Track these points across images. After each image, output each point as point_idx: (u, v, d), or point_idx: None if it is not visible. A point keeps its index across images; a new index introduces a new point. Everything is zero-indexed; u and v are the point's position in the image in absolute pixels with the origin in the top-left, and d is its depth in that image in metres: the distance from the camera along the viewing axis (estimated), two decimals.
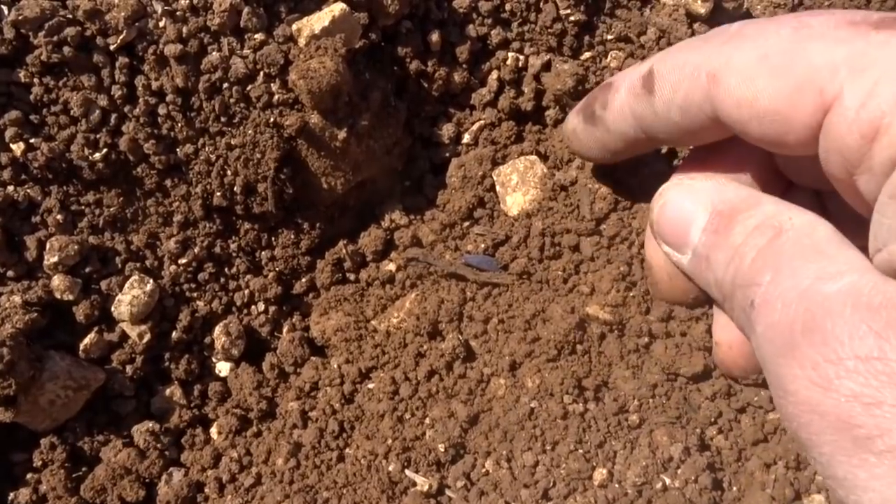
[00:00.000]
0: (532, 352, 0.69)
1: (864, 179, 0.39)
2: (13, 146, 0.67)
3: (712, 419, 0.66)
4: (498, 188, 0.80)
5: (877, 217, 0.39)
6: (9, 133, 0.66)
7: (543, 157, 0.82)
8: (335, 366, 0.75)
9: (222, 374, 0.77)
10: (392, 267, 0.79)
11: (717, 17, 0.83)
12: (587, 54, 0.84)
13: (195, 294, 0.76)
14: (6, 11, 0.64)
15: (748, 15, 0.84)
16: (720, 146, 0.52)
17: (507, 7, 0.82)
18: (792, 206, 0.45)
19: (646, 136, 0.55)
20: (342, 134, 0.73)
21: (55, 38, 0.65)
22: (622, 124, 0.56)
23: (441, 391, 0.70)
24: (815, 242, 0.42)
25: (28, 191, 0.68)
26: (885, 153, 0.37)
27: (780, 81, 0.42)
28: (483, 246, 0.77)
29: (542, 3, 0.82)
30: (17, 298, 0.66)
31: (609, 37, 0.84)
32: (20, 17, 0.63)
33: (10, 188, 0.68)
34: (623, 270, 0.71)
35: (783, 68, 0.42)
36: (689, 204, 0.49)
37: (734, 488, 0.63)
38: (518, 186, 0.80)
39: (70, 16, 0.66)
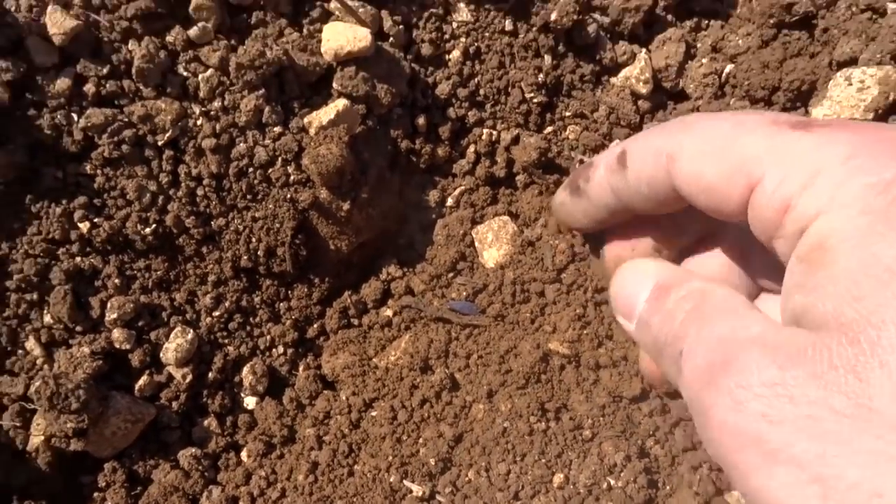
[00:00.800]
0: (505, 381, 0.85)
1: (779, 244, 0.48)
2: (80, 225, 0.82)
3: (650, 432, 0.81)
4: (476, 244, 0.96)
5: (787, 275, 0.47)
6: (77, 215, 0.82)
7: (514, 216, 0.97)
8: (344, 398, 0.90)
9: (250, 407, 0.92)
10: (389, 313, 0.94)
11: (656, 95, 1.00)
12: (549, 129, 1.00)
13: (226, 340, 0.91)
14: (76, 118, 0.80)
15: (683, 94, 1.00)
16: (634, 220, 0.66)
17: (482, 92, 0.98)
18: (714, 283, 0.55)
19: (622, 206, 0.66)
20: (346, 205, 0.89)
21: (115, 139, 0.81)
22: (603, 196, 0.67)
23: (431, 416, 0.85)
24: (732, 306, 0.50)
25: (91, 260, 0.84)
26: (793, 225, 0.46)
27: (720, 165, 0.51)
28: (465, 293, 0.92)
29: (510, 88, 0.98)
30: (85, 349, 0.81)
31: (567, 114, 1.00)
32: (89, 124, 0.80)
33: (78, 259, 0.83)
34: (579, 312, 0.87)
35: (722, 155, 0.51)
36: (636, 282, 0.59)
37: (667, 487, 0.78)
38: (493, 243, 0.95)
39: (126, 119, 0.82)
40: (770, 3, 0.96)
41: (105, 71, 0.80)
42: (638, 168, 0.60)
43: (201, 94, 0.84)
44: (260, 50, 0.82)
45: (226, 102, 0.85)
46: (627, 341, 0.83)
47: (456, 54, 0.96)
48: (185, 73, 0.83)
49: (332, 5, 0.89)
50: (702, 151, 0.53)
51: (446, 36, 0.96)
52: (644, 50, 1.00)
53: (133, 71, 0.81)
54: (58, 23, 0.77)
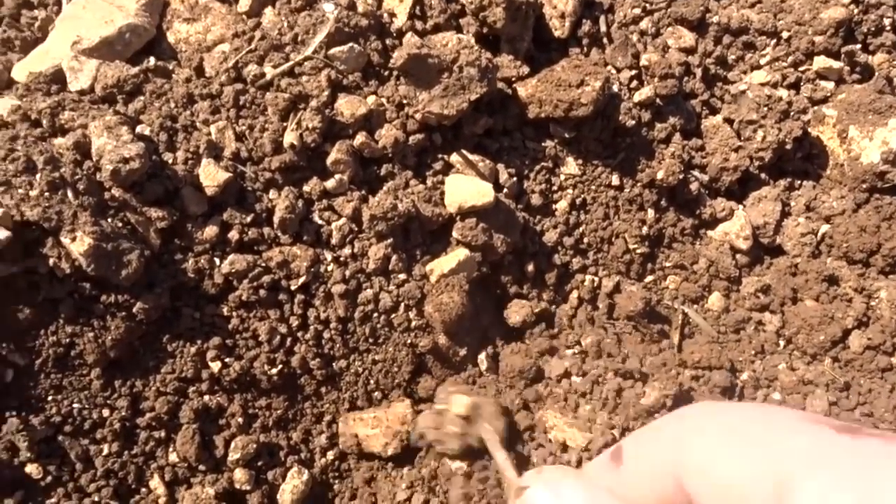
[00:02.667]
0: None
1: None
2: (212, 364, 0.85)
3: None
4: None
5: None
6: (210, 354, 0.85)
7: None
8: None
9: None
10: None
11: (754, 250, 1.03)
12: (650, 278, 1.04)
13: (337, 482, 0.92)
14: (218, 262, 0.84)
15: (780, 249, 1.03)
16: None
17: (585, 240, 1.02)
18: None
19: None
20: (462, 351, 0.91)
21: (254, 284, 0.84)
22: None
23: None
24: None
25: (218, 398, 0.86)
26: None
27: (744, 467, 0.43)
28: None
29: (613, 238, 1.02)
30: (209, 490, 0.82)
31: (668, 264, 1.04)
32: (232, 270, 0.83)
33: (207, 397, 0.85)
34: None
35: (748, 455, 0.44)
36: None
37: None
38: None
39: (264, 265, 0.85)
40: (863, 169, 1.01)
41: (248, 219, 0.84)
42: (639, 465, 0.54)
43: (333, 241, 0.88)
44: (392, 203, 0.86)
45: (355, 250, 0.89)
46: None
47: (563, 205, 1.00)
48: (319, 222, 0.87)
49: (453, 158, 0.95)
50: (723, 448, 0.46)
51: (554, 187, 1.00)
52: (741, 206, 1.04)
53: (274, 219, 0.85)
54: (211, 175, 0.82)
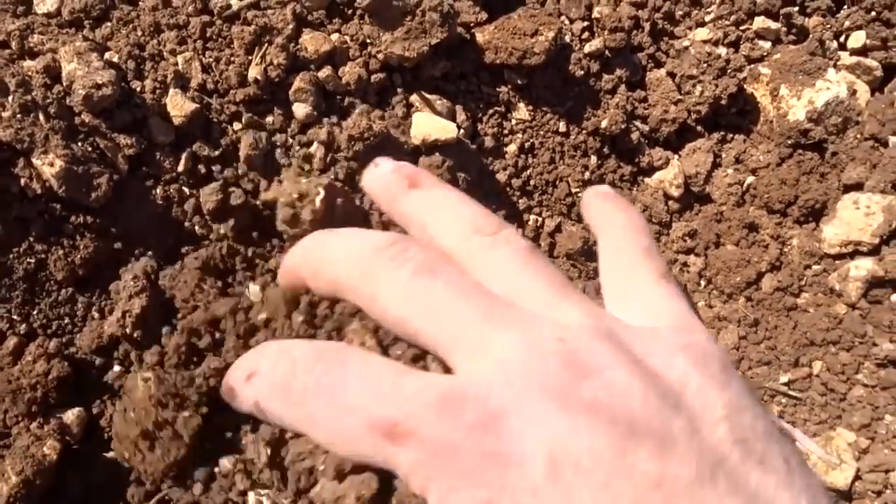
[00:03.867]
0: None
1: None
2: None
3: None
4: None
5: None
6: None
7: None
8: None
9: None
10: None
11: (686, 198, 1.12)
12: None
13: None
14: (186, 191, 0.88)
15: (709, 198, 1.13)
16: None
17: (532, 183, 1.09)
18: None
19: None
20: None
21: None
22: None
23: None
24: None
25: None
26: None
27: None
28: None
29: (557, 182, 1.09)
30: None
31: None
32: (206, 204, 0.87)
33: None
34: None
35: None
36: None
37: None
38: None
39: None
40: (790, 126, 1.10)
41: (216, 153, 0.88)
42: None
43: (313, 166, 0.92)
44: (368, 124, 0.91)
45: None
46: None
47: (513, 148, 1.06)
48: (295, 149, 0.92)
49: (413, 98, 0.99)
50: None
51: (506, 131, 1.06)
52: (676, 156, 1.12)
53: (240, 155, 0.89)
54: (178, 105, 0.85)
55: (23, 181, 0.77)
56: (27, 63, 0.80)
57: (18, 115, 0.75)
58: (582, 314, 0.37)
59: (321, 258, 0.43)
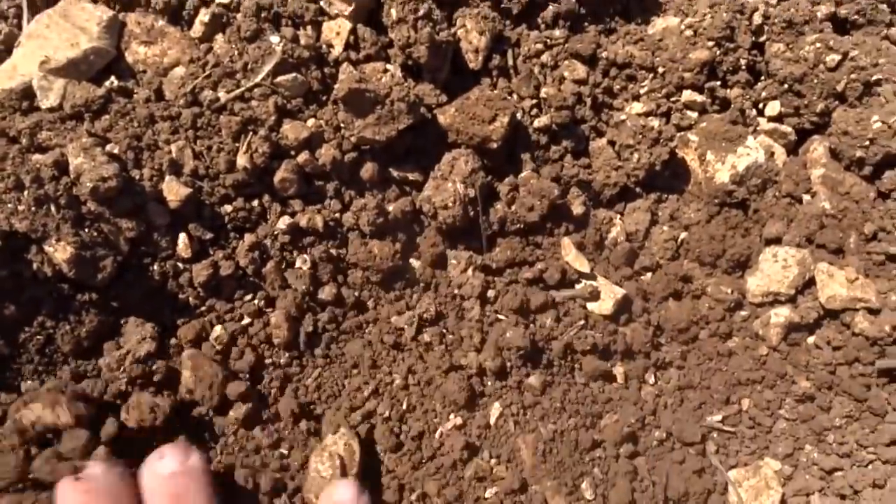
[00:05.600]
0: None
1: None
2: None
3: None
4: None
5: None
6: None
7: None
8: None
9: None
10: None
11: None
12: None
13: None
14: (181, 266, 0.97)
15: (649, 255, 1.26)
16: None
17: None
18: None
19: None
20: None
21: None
22: None
23: None
24: None
25: None
26: None
27: None
28: None
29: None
30: None
31: None
32: (198, 279, 0.97)
33: None
34: None
35: None
36: None
37: None
38: None
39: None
40: (716, 187, 1.24)
41: (209, 236, 0.98)
42: None
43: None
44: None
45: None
46: None
47: None
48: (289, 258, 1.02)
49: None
50: None
51: None
52: (618, 216, 1.26)
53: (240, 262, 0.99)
54: (173, 190, 0.95)
55: (35, 265, 0.86)
56: (37, 157, 0.89)
57: (33, 208, 0.84)
58: None
59: None
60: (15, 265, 0.85)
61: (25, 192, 0.84)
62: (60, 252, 0.85)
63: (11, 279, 0.85)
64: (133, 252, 0.93)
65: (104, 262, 0.88)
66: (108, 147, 0.94)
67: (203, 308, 0.98)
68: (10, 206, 0.83)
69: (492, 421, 1.00)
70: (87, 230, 0.88)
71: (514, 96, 1.21)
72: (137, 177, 0.94)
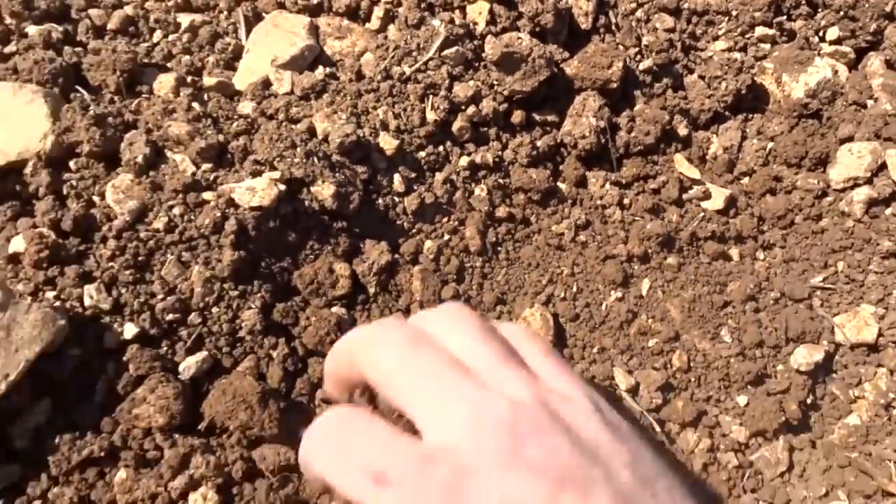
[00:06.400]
0: None
1: None
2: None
3: None
4: None
5: None
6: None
7: None
8: None
9: None
10: None
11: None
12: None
13: None
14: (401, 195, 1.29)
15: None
16: None
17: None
18: None
19: None
20: None
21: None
22: None
23: None
24: None
25: None
26: None
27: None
28: None
29: None
30: None
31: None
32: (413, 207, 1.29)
33: None
34: None
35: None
36: None
37: None
38: None
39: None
40: (792, 103, 1.51)
41: (413, 175, 1.29)
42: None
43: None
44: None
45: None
46: None
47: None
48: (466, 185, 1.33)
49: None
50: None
51: None
52: (714, 135, 1.54)
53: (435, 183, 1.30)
54: (388, 142, 1.27)
55: (306, 203, 1.18)
56: (296, 126, 1.22)
57: (304, 159, 1.16)
58: (521, 387, 0.46)
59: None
60: (294, 203, 1.17)
61: (297, 149, 1.17)
62: (326, 189, 1.17)
63: (293, 214, 1.17)
64: (366, 189, 1.25)
65: (352, 196, 1.20)
66: (339, 114, 1.26)
67: (414, 230, 1.29)
68: (288, 160, 1.16)
69: (643, 293, 1.30)
70: (338, 174, 1.20)
71: (621, 47, 1.50)
72: (361, 135, 1.26)
